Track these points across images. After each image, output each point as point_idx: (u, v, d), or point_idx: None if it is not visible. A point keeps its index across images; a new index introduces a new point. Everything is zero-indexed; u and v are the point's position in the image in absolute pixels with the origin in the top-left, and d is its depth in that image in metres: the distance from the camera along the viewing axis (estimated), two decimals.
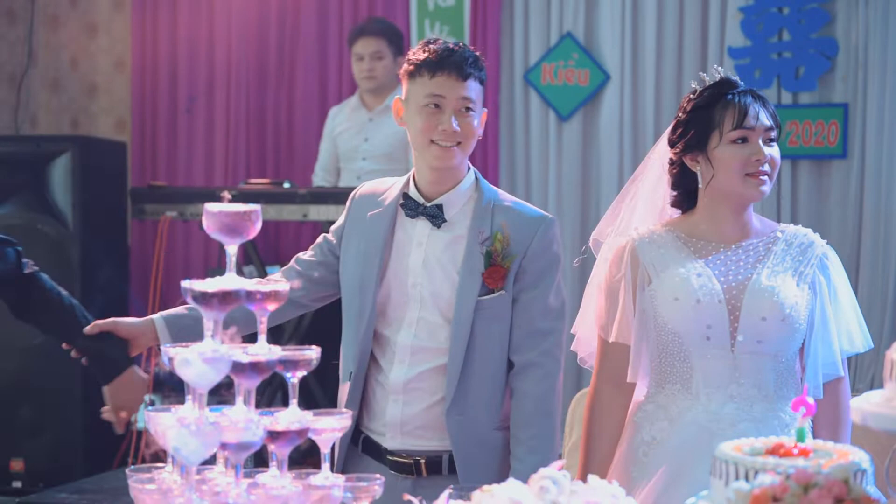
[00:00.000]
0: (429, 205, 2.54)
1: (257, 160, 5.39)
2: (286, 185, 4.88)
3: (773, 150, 2.51)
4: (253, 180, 5.16)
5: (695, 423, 2.46)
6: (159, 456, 1.81)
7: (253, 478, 1.75)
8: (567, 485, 1.66)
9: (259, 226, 1.78)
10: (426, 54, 2.51)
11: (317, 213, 4.63)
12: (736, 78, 2.57)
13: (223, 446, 1.67)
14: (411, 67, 2.53)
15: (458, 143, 2.50)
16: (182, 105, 5.80)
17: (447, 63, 2.49)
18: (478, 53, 2.57)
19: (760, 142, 2.48)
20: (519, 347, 2.53)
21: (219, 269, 5.60)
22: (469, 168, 2.60)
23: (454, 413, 2.50)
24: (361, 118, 5.05)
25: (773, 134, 2.51)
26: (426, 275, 2.53)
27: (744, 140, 2.48)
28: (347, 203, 2.68)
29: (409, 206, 2.56)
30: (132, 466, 1.81)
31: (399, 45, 4.99)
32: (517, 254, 2.51)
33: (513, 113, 5.27)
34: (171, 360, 1.71)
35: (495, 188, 2.63)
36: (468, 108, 2.50)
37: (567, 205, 5.15)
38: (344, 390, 2.60)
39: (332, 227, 2.69)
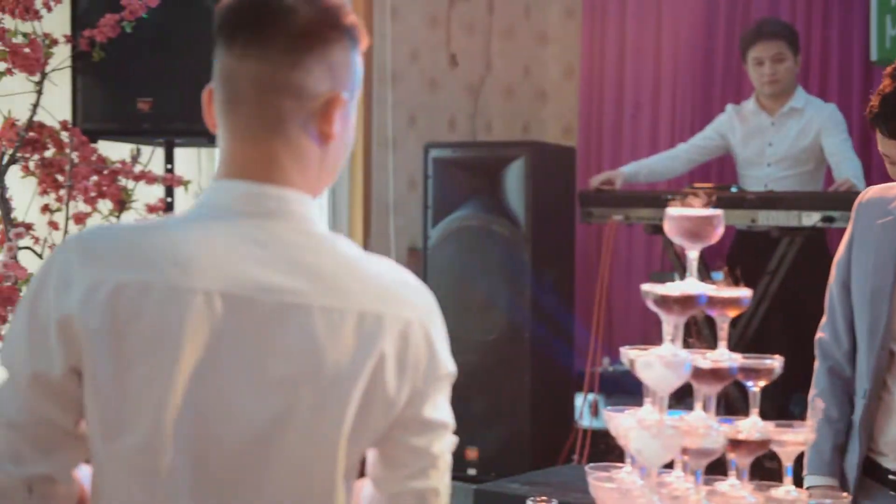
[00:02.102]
0: None
1: (701, 165, 5.34)
2: (733, 190, 4.79)
3: None
4: (698, 184, 5.11)
5: None
6: (605, 454, 1.83)
7: (711, 485, 1.73)
8: None
9: (721, 231, 1.75)
10: None
11: (766, 217, 4.49)
12: None
13: (683, 451, 1.67)
14: None
15: None
16: (628, 111, 5.88)
17: None
18: None
19: None
20: None
21: (662, 273, 5.63)
22: None
23: None
24: (762, 123, 4.86)
25: None
26: None
27: None
28: (853, 210, 2.52)
29: None
30: (591, 464, 1.85)
31: (797, 45, 4.77)
32: None
33: None
34: (631, 362, 1.72)
35: None
36: None
37: None
38: (857, 406, 2.45)
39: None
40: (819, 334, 2.55)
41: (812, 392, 2.54)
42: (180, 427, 1.39)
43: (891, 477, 2.38)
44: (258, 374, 1.40)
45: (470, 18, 6.00)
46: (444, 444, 1.52)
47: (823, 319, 2.55)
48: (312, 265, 1.45)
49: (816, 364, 2.54)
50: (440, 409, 1.51)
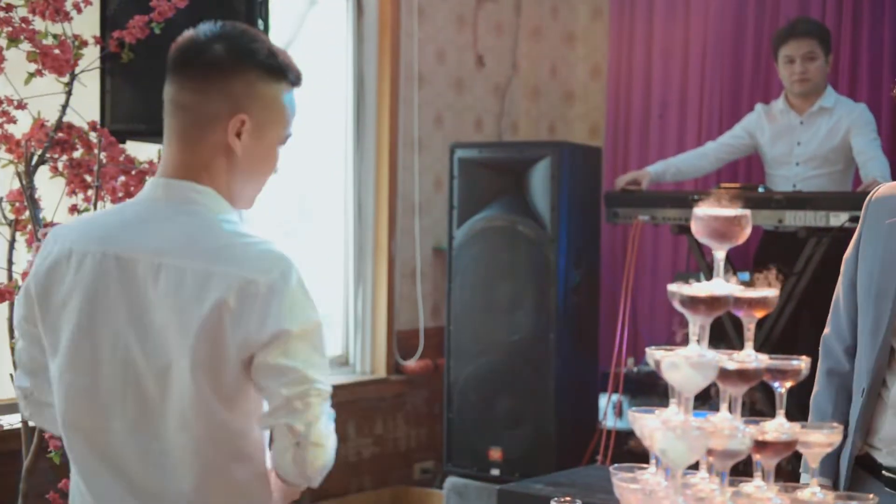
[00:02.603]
0: None
1: (729, 165, 5.32)
2: (760, 190, 4.77)
3: None
4: (725, 184, 5.09)
5: None
6: (629, 455, 1.82)
7: (736, 486, 1.73)
8: None
9: (748, 231, 1.75)
10: None
11: (793, 218, 4.47)
12: None
13: (709, 452, 1.66)
14: None
15: None
16: (655, 111, 5.86)
17: None
18: None
19: None
20: None
21: (688, 274, 5.63)
22: None
23: None
24: (791, 122, 4.84)
25: None
26: None
27: None
28: (863, 208, 2.51)
29: None
30: (615, 465, 1.84)
31: (829, 44, 4.75)
32: None
33: None
34: (657, 363, 1.72)
35: None
36: None
37: None
38: (856, 405, 2.46)
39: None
40: (825, 330, 2.55)
41: (814, 391, 2.56)
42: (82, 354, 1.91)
43: (885, 473, 2.38)
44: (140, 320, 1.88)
45: (497, 19, 6.00)
46: (298, 390, 1.81)
47: (829, 316, 2.55)
48: (190, 237, 1.88)
49: (819, 363, 2.55)
50: (291, 358, 1.81)
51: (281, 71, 1.93)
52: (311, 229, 5.45)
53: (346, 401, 4.97)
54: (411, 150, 5.50)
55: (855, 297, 2.48)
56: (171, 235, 1.88)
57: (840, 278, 2.53)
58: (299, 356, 1.83)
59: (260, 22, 3.78)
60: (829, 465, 2.47)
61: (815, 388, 2.56)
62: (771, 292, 1.75)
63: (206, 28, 1.94)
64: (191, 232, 1.88)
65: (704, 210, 1.74)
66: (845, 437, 2.44)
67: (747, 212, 1.74)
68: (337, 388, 5.03)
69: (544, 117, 6.20)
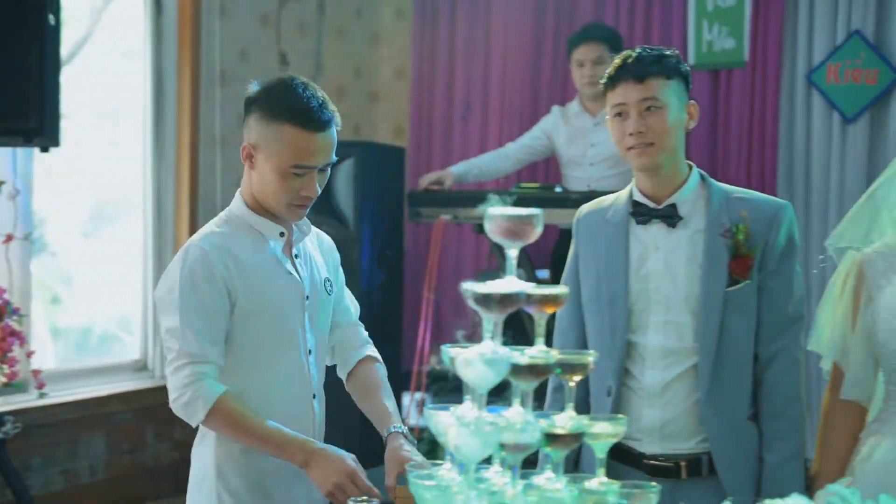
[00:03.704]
0: (661, 206, 2.57)
1: (529, 165, 5.44)
2: (557, 190, 4.90)
3: None
4: (525, 184, 5.22)
5: None
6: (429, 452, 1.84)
7: (528, 479, 1.77)
8: (856, 502, 1.59)
9: (540, 230, 1.79)
10: (609, 70, 2.62)
11: None
12: None
13: (501, 446, 1.70)
14: (603, 81, 2.63)
15: (651, 143, 2.54)
16: (458, 112, 5.94)
17: (623, 71, 2.58)
18: (666, 50, 2.60)
19: None
20: (767, 337, 2.53)
21: (489, 272, 5.72)
22: (691, 167, 2.62)
23: (711, 411, 2.51)
24: (585, 124, 5.02)
25: None
26: (669, 276, 2.55)
27: None
28: (574, 227, 2.75)
29: (641, 212, 2.59)
30: (411, 462, 1.86)
31: (619, 48, 4.94)
32: (760, 242, 2.51)
33: (793, 115, 5.08)
34: (452, 360, 1.75)
35: (721, 183, 2.64)
36: (651, 108, 2.54)
37: (850, 210, 4.91)
38: (603, 405, 2.61)
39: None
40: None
41: (546, 407, 2.71)
42: None
43: (646, 462, 2.51)
44: None
45: (301, 18, 5.96)
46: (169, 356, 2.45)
47: (554, 338, 2.71)
48: None
49: (550, 381, 2.71)
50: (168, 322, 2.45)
51: (261, 110, 2.56)
52: (111, 231, 5.29)
53: (145, 406, 4.84)
54: (213, 149, 5.41)
55: (578, 312, 2.68)
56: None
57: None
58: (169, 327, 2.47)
59: (51, 17, 3.64)
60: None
61: (546, 407, 2.71)
62: (562, 289, 1.80)
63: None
64: None
65: (497, 210, 1.78)
66: None
67: (538, 211, 1.78)
68: (135, 394, 4.91)
69: (349, 117, 6.18)
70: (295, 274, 2.57)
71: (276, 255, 2.55)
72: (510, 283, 1.76)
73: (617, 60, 2.64)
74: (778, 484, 2.43)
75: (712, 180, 2.64)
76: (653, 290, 2.56)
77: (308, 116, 2.45)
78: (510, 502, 1.66)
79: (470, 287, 1.75)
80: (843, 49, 4.92)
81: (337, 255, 2.79)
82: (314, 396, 2.59)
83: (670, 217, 2.57)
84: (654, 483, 1.82)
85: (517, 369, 1.73)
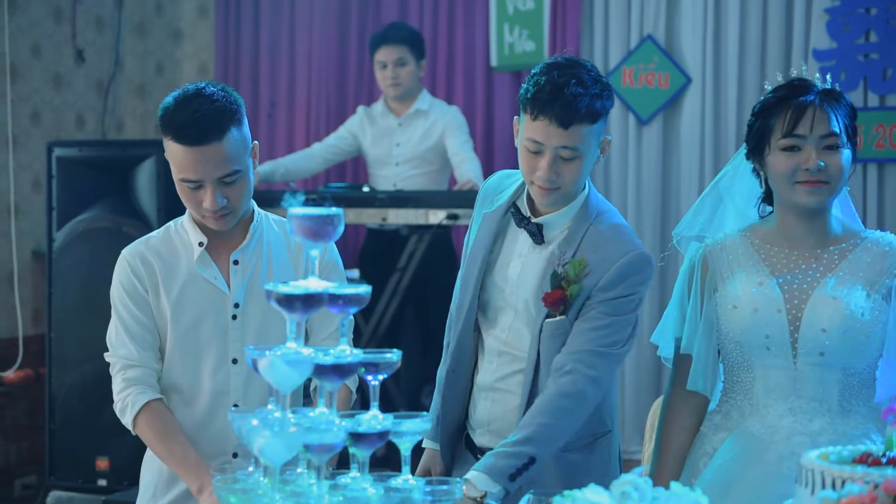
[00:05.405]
0: (532, 221, 2.53)
1: (337, 165, 5.43)
2: (364, 189, 4.91)
3: (832, 158, 2.37)
4: (333, 184, 5.21)
5: (749, 433, 2.41)
6: None
7: (334, 479, 1.77)
8: (649, 491, 1.65)
9: (341, 229, 1.79)
10: (535, 89, 2.39)
11: (395, 216, 4.65)
12: (813, 79, 2.47)
13: (305, 448, 1.69)
14: (526, 95, 2.42)
15: (557, 187, 2.44)
16: (264, 110, 5.88)
17: (549, 110, 2.37)
18: (596, 87, 2.39)
19: (814, 149, 2.37)
20: (573, 354, 2.43)
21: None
22: (585, 186, 2.52)
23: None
24: (390, 124, 5.07)
25: (835, 141, 2.38)
26: (520, 286, 2.54)
27: (794, 148, 2.38)
28: (480, 191, 2.70)
29: (517, 216, 2.56)
30: (214, 466, 1.83)
31: (421, 49, 5.01)
32: (591, 284, 2.43)
33: None
34: (254, 362, 1.73)
35: (608, 207, 2.55)
36: (568, 158, 2.40)
37: (646, 209, 5.10)
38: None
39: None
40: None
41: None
42: None
43: (479, 456, 2.55)
44: None
45: (98, 13, 5.78)
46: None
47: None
48: None
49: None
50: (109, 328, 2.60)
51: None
52: None
53: None
54: (5, 148, 5.18)
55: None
56: None
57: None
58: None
59: None
60: (435, 433, 2.67)
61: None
62: (364, 289, 1.80)
63: None
64: None
65: (297, 210, 1.77)
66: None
67: (339, 210, 1.78)
68: None
69: (151, 115, 6.03)
70: (220, 280, 2.51)
71: (202, 261, 2.52)
72: (312, 284, 1.75)
73: (546, 85, 2.38)
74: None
75: (597, 202, 2.53)
76: (507, 293, 2.55)
77: (182, 131, 2.40)
78: (315, 503, 1.66)
79: (273, 288, 1.73)
80: (636, 53, 5.10)
81: (337, 268, 2.72)
82: (236, 407, 2.49)
83: (534, 234, 2.51)
84: (458, 480, 1.84)
85: (322, 369, 1.73)
